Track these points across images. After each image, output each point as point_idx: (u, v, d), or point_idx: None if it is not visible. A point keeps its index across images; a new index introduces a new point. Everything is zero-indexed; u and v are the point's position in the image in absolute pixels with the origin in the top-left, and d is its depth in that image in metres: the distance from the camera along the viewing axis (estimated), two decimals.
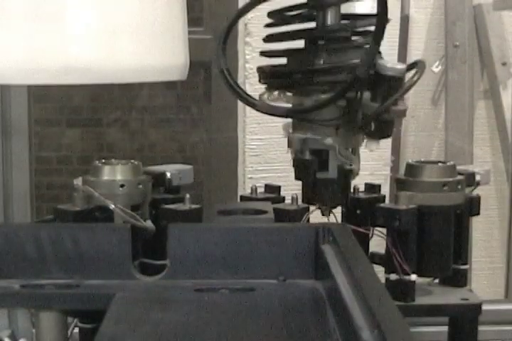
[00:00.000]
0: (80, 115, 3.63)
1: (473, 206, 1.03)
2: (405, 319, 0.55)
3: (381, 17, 0.89)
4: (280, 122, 1.03)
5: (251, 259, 0.79)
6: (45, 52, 0.83)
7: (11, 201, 1.32)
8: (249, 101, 0.99)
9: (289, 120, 1.01)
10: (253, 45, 1.68)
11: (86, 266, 0.79)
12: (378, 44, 0.91)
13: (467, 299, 0.98)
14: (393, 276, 0.95)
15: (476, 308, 0.97)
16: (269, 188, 1.09)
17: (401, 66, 0.94)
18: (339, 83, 0.94)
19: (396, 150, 2.04)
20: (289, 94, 1.00)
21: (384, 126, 0.98)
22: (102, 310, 0.69)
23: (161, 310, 0.70)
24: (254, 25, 1.67)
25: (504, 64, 2.14)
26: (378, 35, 0.90)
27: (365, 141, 1.00)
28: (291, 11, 1.00)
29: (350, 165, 0.95)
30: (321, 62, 0.96)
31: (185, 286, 0.77)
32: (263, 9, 1.03)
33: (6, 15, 0.83)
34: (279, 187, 1.07)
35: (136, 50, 0.89)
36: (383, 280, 0.95)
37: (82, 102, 3.61)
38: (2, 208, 1.31)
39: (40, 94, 3.44)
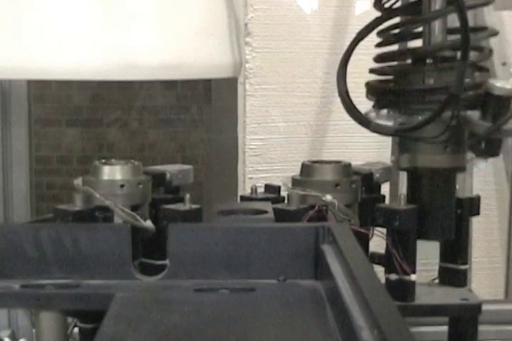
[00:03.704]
0: (80, 115, 3.63)
1: (473, 206, 1.03)
2: (405, 319, 0.55)
3: (464, 34, 0.89)
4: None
5: (251, 259, 0.79)
6: (116, 50, 0.85)
7: (11, 201, 1.32)
8: (363, 121, 0.99)
9: (289, 175, 1.01)
10: (253, 45, 1.68)
11: (86, 266, 0.79)
12: (466, 63, 0.90)
13: (467, 299, 0.98)
14: (393, 276, 0.95)
15: (476, 308, 0.97)
16: (269, 188, 1.09)
17: (510, 86, 0.95)
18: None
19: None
20: (395, 113, 1.00)
21: (493, 145, 0.98)
22: (102, 310, 0.69)
23: (161, 310, 0.70)
24: (254, 25, 1.67)
25: (504, 64, 2.14)
26: (465, 54, 0.90)
27: (473, 159, 1.01)
28: (398, 28, 1.01)
29: (349, 220, 0.94)
30: (431, 81, 0.97)
31: (185, 286, 0.77)
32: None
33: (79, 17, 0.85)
34: (279, 187, 1.07)
35: (199, 48, 0.90)
36: (383, 280, 0.95)
37: (82, 102, 3.61)
38: (2, 208, 1.31)
39: (40, 94, 3.44)
